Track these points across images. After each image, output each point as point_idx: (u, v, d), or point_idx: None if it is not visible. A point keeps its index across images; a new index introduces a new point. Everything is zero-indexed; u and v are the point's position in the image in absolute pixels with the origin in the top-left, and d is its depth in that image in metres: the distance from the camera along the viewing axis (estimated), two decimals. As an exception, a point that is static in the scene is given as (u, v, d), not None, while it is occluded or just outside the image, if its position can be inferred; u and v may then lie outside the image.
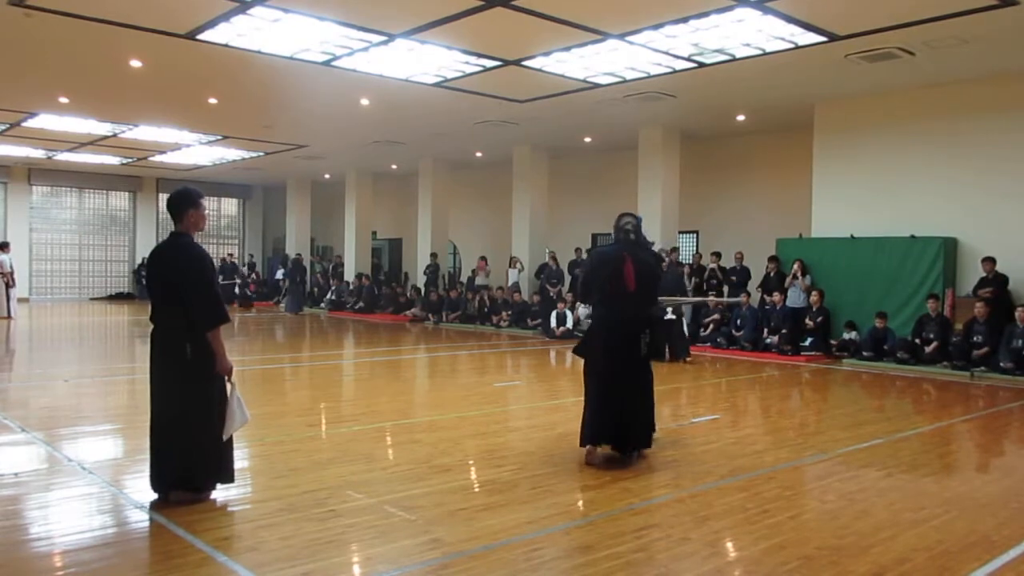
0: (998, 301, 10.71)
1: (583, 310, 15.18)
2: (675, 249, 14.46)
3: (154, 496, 4.50)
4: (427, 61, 10.78)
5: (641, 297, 5.51)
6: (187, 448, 4.41)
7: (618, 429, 5.46)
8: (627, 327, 5.49)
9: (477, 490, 4.97)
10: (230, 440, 4.57)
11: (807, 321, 12.36)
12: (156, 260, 4.61)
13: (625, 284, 5.41)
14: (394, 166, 21.58)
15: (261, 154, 19.89)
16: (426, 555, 3.76)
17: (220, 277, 24.23)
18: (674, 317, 11.42)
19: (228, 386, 4.51)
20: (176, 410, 4.41)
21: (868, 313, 11.78)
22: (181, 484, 4.44)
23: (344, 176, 22.69)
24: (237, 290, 24.20)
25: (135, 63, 11.08)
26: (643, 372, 5.64)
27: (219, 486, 4.58)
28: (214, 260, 23.87)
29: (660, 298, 6.28)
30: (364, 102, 13.44)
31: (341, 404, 8.46)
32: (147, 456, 4.57)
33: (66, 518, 4.31)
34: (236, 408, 4.50)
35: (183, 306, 4.39)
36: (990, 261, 10.86)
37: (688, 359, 11.45)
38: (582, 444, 5.49)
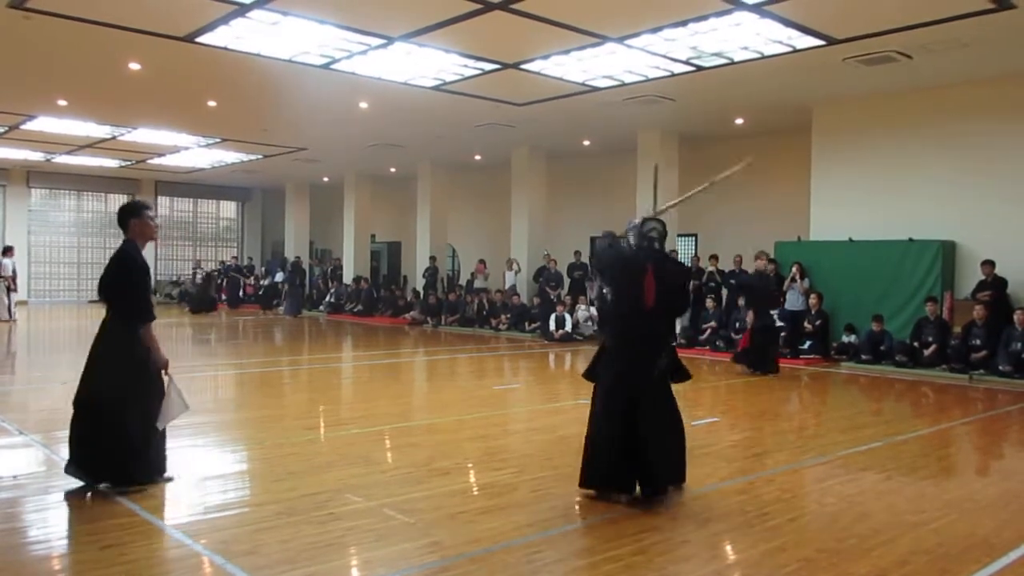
0: (996, 304, 10.72)
1: (583, 312, 15.20)
2: (773, 260, 12.77)
3: (156, 500, 4.52)
4: (426, 64, 10.78)
5: (659, 313, 4.81)
6: (119, 439, 4.56)
7: (636, 468, 4.65)
8: (640, 346, 4.76)
9: (476, 493, 4.97)
10: (164, 433, 4.78)
11: (806, 324, 12.35)
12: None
13: (643, 299, 4.69)
14: (393, 169, 21.57)
15: (260, 157, 19.88)
16: (425, 558, 3.76)
17: (224, 278, 24.39)
18: (782, 325, 11.09)
19: (165, 379, 4.75)
20: (110, 402, 4.58)
21: (867, 316, 11.76)
22: (112, 476, 4.63)
23: (343, 179, 22.68)
24: (242, 293, 24.27)
25: (134, 66, 11.08)
26: (662, 400, 4.85)
27: (163, 481, 4.74)
28: (218, 263, 23.80)
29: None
30: (363, 105, 13.44)
31: (340, 407, 8.45)
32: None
33: (64, 521, 4.31)
34: (175, 398, 4.73)
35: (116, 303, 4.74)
36: (989, 264, 10.86)
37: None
38: (581, 486, 4.71)
